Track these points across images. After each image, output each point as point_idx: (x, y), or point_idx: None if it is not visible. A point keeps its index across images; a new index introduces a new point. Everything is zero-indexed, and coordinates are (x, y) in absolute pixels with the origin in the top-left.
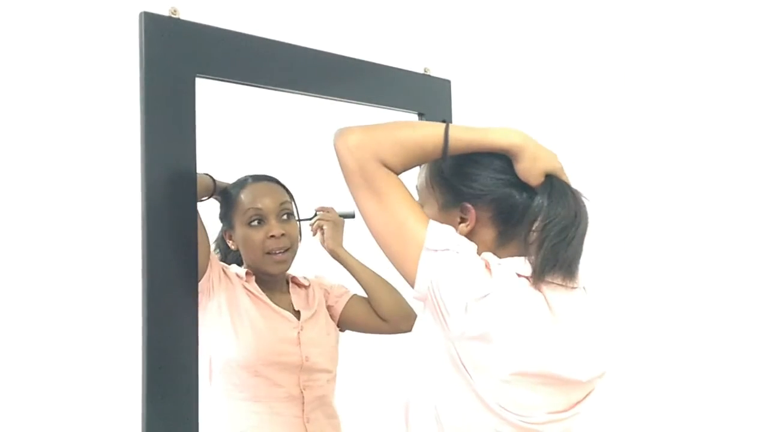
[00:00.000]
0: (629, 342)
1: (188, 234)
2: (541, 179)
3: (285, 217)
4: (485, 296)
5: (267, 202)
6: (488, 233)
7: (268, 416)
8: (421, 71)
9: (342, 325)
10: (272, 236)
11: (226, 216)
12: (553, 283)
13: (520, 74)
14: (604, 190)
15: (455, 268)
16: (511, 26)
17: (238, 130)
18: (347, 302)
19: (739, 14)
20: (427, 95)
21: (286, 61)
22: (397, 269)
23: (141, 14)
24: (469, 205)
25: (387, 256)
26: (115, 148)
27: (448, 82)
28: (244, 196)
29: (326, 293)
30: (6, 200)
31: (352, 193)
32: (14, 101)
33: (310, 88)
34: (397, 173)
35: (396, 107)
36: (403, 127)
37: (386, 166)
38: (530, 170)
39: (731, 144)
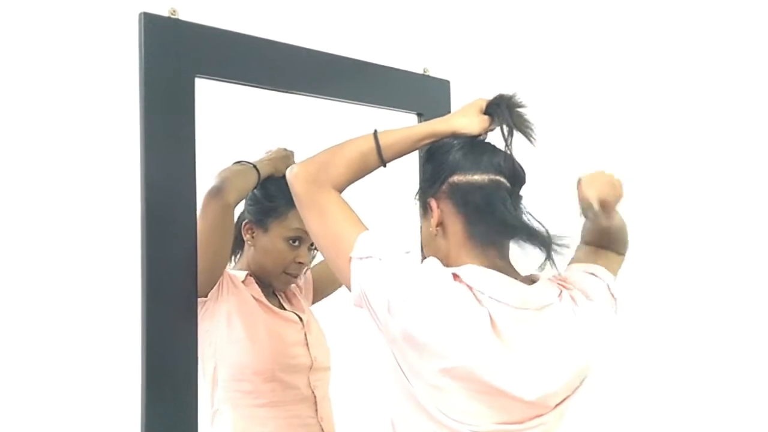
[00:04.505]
0: (629, 351)
1: (188, 235)
2: (465, 119)
3: (313, 245)
4: (407, 295)
5: None
6: (456, 224)
7: (286, 420)
8: (421, 71)
9: (319, 294)
10: (300, 262)
11: (259, 214)
12: (501, 302)
13: (520, 74)
14: None
15: (378, 273)
16: (511, 26)
17: (237, 130)
18: (313, 278)
19: (737, 15)
20: (426, 95)
21: (286, 61)
22: (340, 280)
23: (140, 14)
24: (430, 199)
25: (331, 267)
26: (115, 149)
27: (448, 82)
28: (295, 213)
29: (298, 289)
30: (4, 200)
31: (302, 216)
32: (13, 101)
33: (310, 89)
34: (342, 189)
35: (395, 107)
36: (339, 147)
37: (332, 185)
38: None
39: (724, 146)
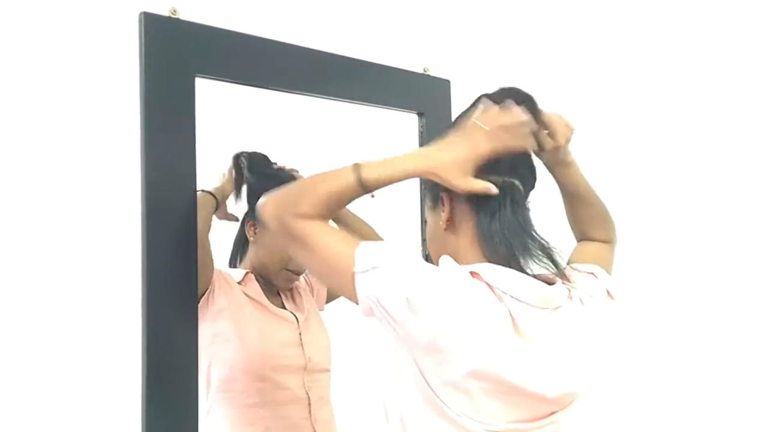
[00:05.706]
0: (636, 352)
1: (188, 235)
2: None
3: None
4: (428, 292)
5: None
6: (467, 221)
7: (275, 420)
8: (421, 71)
9: (335, 294)
10: None
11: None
12: (521, 301)
13: (520, 74)
14: (602, 191)
15: (389, 277)
16: (511, 26)
17: (237, 130)
18: None
19: (736, 15)
20: (426, 95)
21: (286, 61)
22: (345, 297)
23: (141, 14)
24: (443, 194)
25: (332, 289)
26: (115, 149)
27: (448, 81)
28: None
29: (310, 288)
30: (4, 200)
31: (287, 250)
32: (14, 101)
33: (310, 88)
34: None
35: (395, 107)
36: (315, 180)
37: (308, 217)
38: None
39: (723, 146)
